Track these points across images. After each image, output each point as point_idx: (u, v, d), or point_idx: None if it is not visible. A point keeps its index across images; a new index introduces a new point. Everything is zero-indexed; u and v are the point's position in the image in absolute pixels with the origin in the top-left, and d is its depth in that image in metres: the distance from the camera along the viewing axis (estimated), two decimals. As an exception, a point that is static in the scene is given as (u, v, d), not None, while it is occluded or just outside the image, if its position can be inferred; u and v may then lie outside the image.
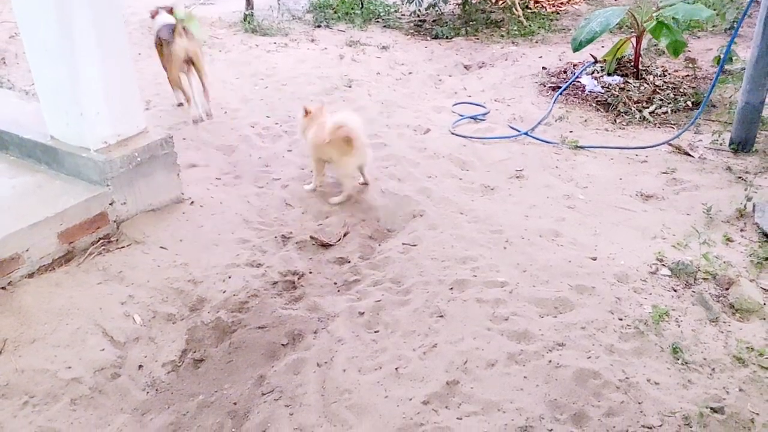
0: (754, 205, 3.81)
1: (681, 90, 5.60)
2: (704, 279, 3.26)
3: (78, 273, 3.27)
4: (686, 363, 2.75)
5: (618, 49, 5.81)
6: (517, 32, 7.48)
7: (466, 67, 6.67)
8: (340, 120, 3.93)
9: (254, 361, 2.85)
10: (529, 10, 8.20)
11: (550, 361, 2.75)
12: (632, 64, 5.85)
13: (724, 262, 3.37)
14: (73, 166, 3.58)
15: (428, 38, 7.47)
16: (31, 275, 3.20)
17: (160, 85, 5.80)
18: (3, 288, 3.10)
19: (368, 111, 5.39)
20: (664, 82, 5.71)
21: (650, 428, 2.45)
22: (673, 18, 5.49)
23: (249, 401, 2.65)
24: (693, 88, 5.64)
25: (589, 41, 5.40)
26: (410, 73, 6.45)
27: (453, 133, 5.03)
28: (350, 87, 5.91)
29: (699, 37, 6.79)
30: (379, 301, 3.18)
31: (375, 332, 3.00)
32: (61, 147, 3.60)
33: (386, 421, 2.50)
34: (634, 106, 5.39)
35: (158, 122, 4.97)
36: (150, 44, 6.81)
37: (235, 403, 2.64)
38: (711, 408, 2.51)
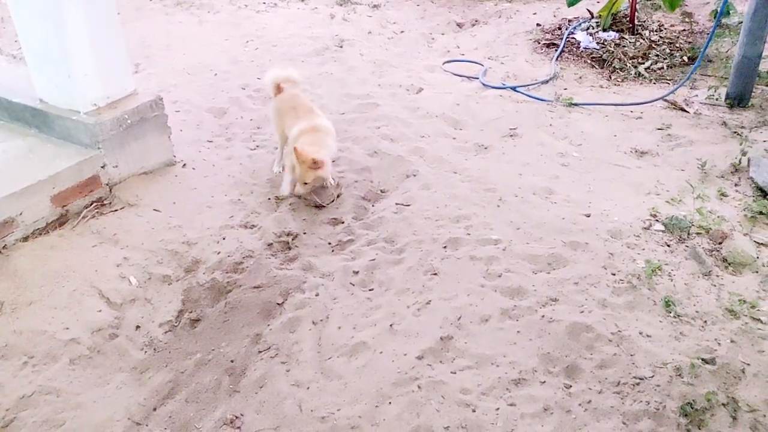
0: (749, 160, 3.80)
1: (677, 45, 5.52)
2: (698, 233, 3.27)
3: (72, 236, 3.27)
4: (678, 316, 2.78)
5: (614, 3, 5.71)
6: (511, -12, 7.33)
7: (459, 24, 6.56)
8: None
9: (250, 320, 2.87)
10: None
11: (543, 316, 2.78)
12: (628, 19, 5.76)
13: (718, 217, 3.38)
14: (63, 129, 3.54)
15: (421, -4, 7.32)
16: (25, 239, 3.20)
17: (149, 48, 5.71)
18: (-2, 252, 3.11)
19: (360, 71, 5.32)
20: (660, 37, 5.63)
21: (642, 379, 2.49)
22: (670, -30, 5.39)
23: (246, 359, 2.68)
24: (689, 42, 5.57)
25: (585, -5, 5.31)
26: (402, 31, 6.34)
27: (485, 84, 5.11)
28: (341, 47, 5.82)
29: (696, -9, 6.68)
30: (373, 260, 3.19)
31: (369, 290, 3.02)
32: (51, 110, 3.56)
33: (381, 376, 2.54)
34: (630, 62, 5.32)
35: (148, 85, 4.90)
36: (139, 6, 6.72)
37: (232, 361, 2.67)
38: (702, 359, 2.55)
